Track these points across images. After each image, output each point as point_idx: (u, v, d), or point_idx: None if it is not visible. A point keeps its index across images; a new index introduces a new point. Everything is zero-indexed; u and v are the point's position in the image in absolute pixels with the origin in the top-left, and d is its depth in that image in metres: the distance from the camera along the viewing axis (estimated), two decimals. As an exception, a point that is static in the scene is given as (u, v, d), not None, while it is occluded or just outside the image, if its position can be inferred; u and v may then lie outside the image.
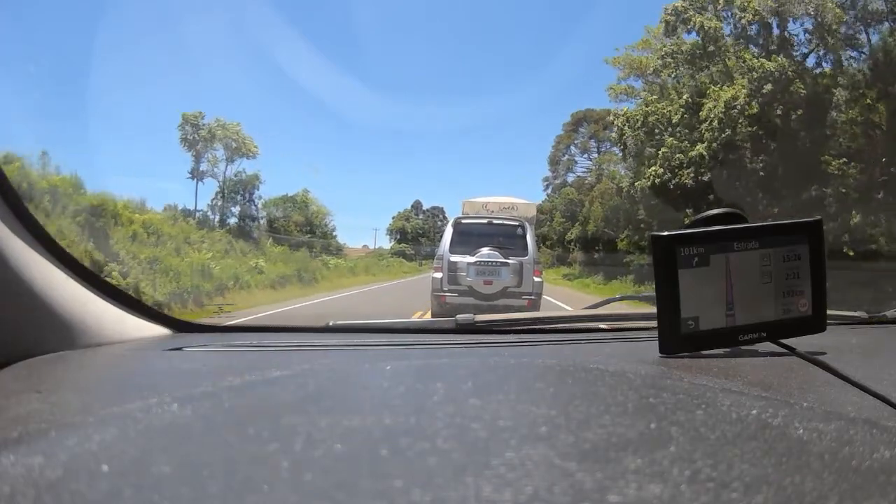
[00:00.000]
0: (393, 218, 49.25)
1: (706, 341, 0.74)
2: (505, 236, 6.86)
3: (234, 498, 0.25)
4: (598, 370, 0.52)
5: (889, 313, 1.17)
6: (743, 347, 0.77)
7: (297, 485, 0.26)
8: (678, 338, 0.73)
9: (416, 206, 50.74)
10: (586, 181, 34.61)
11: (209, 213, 23.84)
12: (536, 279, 6.67)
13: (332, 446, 0.30)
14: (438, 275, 6.64)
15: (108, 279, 0.91)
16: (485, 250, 6.59)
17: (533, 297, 6.53)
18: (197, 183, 23.43)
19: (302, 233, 26.24)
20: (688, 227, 0.75)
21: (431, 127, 52.78)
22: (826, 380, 0.64)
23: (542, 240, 34.89)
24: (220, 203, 24.06)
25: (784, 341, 0.77)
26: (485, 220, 7.25)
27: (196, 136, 23.01)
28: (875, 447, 0.32)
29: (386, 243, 47.09)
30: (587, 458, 0.28)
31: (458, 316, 1.04)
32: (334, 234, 30.64)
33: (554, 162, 38.37)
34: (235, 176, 24.36)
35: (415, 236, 47.11)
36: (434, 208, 50.39)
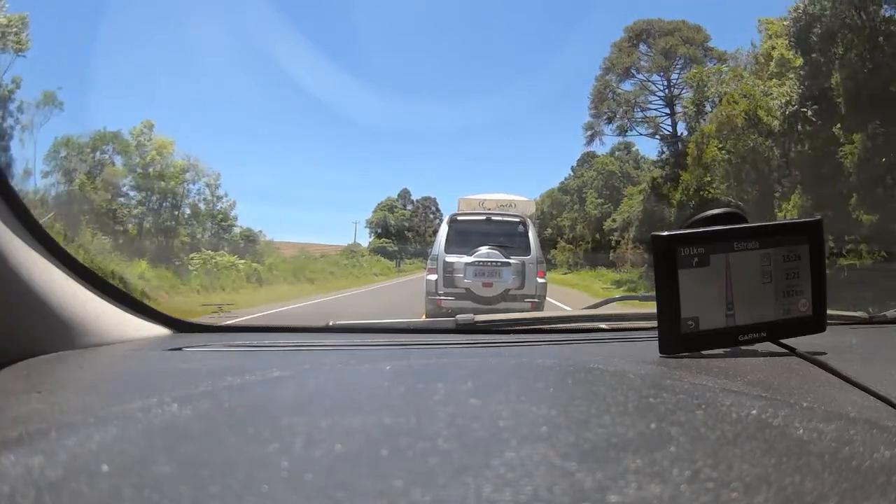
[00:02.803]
0: (374, 209, 39.73)
1: (706, 341, 0.74)
2: (505, 234, 6.34)
3: (234, 498, 0.25)
4: (599, 370, 0.52)
5: (889, 313, 1.17)
6: (743, 347, 0.77)
7: (297, 485, 0.26)
8: (678, 338, 0.73)
9: (404, 195, 42.08)
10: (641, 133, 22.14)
11: None
12: (540, 280, 6.19)
13: (332, 446, 0.30)
14: (433, 276, 6.15)
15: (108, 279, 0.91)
16: (483, 249, 6.08)
17: (536, 300, 6.04)
18: None
19: (112, 203, 14.16)
20: (688, 227, 0.75)
21: (428, 125, 52.66)
22: (826, 380, 0.64)
23: (558, 232, 26.82)
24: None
25: (784, 341, 0.77)
26: (483, 217, 6.67)
27: None
28: (875, 447, 0.32)
29: (374, 239, 38.70)
30: (587, 458, 0.28)
31: (458, 316, 1.04)
32: (231, 214, 18.46)
33: (599, 97, 23.31)
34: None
35: (400, 230, 38.77)
36: (426, 199, 42.00)
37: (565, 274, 24.27)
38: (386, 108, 52.55)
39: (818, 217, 0.79)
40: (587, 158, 27.46)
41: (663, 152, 21.76)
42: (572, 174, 29.59)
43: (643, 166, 24.20)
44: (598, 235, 22.82)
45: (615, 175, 24.07)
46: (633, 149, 26.38)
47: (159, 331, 0.97)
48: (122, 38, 28.39)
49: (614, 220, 21.77)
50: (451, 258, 6.13)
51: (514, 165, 56.76)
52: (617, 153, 26.10)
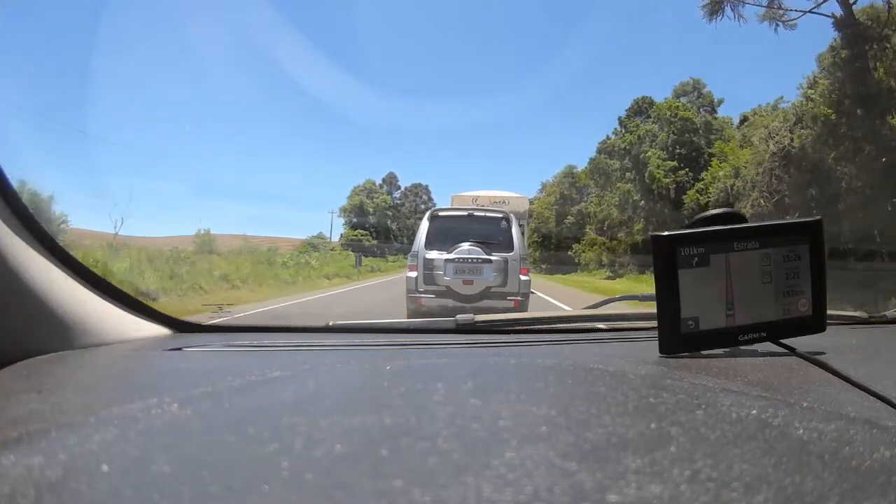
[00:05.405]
0: (349, 193, 30.73)
1: (706, 341, 0.75)
2: (487, 230, 6.09)
3: (234, 498, 0.25)
4: (599, 370, 0.52)
5: (889, 313, 1.17)
6: (743, 347, 0.77)
7: (297, 485, 0.26)
8: (678, 338, 0.73)
9: (390, 180, 33.36)
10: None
11: None
12: (523, 277, 5.97)
13: (332, 446, 0.30)
14: (413, 274, 5.91)
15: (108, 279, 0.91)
16: (464, 246, 5.85)
17: (519, 298, 5.83)
18: None
19: None
20: (688, 226, 0.75)
21: (426, 124, 52.72)
22: (826, 380, 0.64)
23: (581, 221, 20.62)
24: None
25: (784, 341, 0.77)
26: (465, 213, 6.44)
27: None
28: (875, 447, 0.32)
29: (348, 231, 29.90)
30: (587, 458, 0.28)
31: (458, 316, 1.04)
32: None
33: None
34: None
35: (381, 221, 30.11)
36: (416, 185, 34.16)
37: (611, 279, 15.77)
38: (385, 107, 52.62)
39: (818, 217, 0.79)
40: (642, 107, 17.62)
41: (841, 49, 11.04)
42: (622, 129, 18.59)
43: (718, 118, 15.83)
44: (662, 220, 13.96)
45: (690, 126, 14.15)
46: (706, 90, 16.98)
47: (159, 331, 0.97)
48: (122, 38, 28.35)
49: (702, 192, 12.61)
50: (431, 255, 5.87)
51: (513, 164, 56.81)
52: (683, 97, 16.85)
